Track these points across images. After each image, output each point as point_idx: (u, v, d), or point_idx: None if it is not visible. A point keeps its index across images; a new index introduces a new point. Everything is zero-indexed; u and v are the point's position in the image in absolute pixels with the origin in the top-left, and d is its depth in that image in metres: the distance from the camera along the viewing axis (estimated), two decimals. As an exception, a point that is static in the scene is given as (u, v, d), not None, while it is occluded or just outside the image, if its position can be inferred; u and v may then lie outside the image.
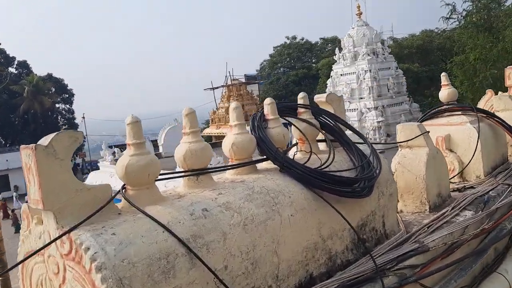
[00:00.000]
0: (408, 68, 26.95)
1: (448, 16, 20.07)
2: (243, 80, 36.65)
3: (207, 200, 1.90)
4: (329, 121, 2.65)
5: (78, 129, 49.88)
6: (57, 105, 47.91)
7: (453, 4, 19.27)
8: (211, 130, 33.60)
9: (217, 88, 36.14)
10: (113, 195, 1.72)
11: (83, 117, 46.08)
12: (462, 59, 19.67)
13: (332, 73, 21.93)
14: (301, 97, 2.60)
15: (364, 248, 2.37)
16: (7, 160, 33.00)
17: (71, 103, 49.01)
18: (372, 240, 2.51)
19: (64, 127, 49.39)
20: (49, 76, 47.29)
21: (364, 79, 20.24)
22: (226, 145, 2.24)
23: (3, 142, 43.66)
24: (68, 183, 1.60)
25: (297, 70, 42.08)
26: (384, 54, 21.00)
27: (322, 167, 2.29)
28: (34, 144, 1.57)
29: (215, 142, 22.15)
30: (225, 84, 35.04)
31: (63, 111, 49.13)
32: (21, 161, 1.64)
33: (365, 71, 20.24)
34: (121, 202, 1.80)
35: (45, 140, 1.59)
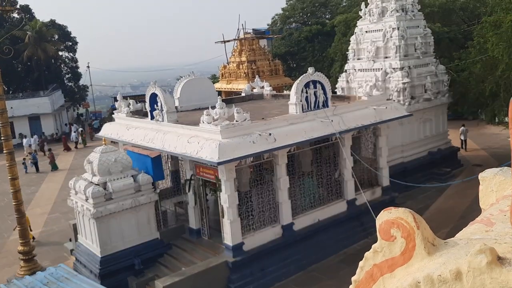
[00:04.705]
0: (429, 28, 25.85)
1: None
2: (252, 35, 35.31)
3: None
4: None
5: (81, 79, 48.80)
6: (60, 53, 46.54)
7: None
8: (221, 85, 32.71)
9: (228, 41, 34.89)
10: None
11: (88, 66, 44.88)
12: (495, 20, 18.63)
13: (356, 30, 20.82)
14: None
15: None
16: (11, 108, 32.17)
17: (74, 51, 47.59)
18: None
19: (67, 75, 48.27)
20: (53, 22, 45.62)
21: (391, 37, 19.20)
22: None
23: (6, 89, 42.67)
24: None
25: (311, 26, 40.56)
26: (413, 11, 19.84)
27: None
28: None
29: (231, 98, 21.41)
30: (237, 38, 33.79)
31: (66, 60, 47.82)
32: None
33: (393, 28, 19.15)
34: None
35: None
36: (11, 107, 32.37)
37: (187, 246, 13.61)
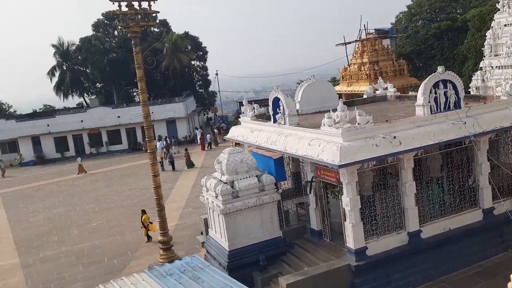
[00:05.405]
0: None
1: None
2: (374, 35, 34.28)
3: None
4: None
5: (210, 85, 52.51)
6: (192, 62, 50.69)
7: None
8: (341, 88, 32.44)
9: (350, 43, 34.50)
10: None
11: (217, 74, 48.13)
12: None
13: (493, 24, 18.98)
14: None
15: None
16: (152, 112, 36.01)
17: (205, 60, 51.45)
18: None
19: (198, 83, 52.37)
20: (186, 34, 49.94)
21: (535, 29, 17.14)
22: None
23: (148, 96, 48.03)
24: None
25: (439, 22, 37.94)
26: (563, 0, 17.44)
27: None
28: None
29: (352, 100, 21.13)
30: (358, 39, 33.19)
31: (198, 68, 51.92)
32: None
33: (537, 20, 17.08)
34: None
35: None
36: (152, 112, 36.14)
37: (309, 246, 13.83)
